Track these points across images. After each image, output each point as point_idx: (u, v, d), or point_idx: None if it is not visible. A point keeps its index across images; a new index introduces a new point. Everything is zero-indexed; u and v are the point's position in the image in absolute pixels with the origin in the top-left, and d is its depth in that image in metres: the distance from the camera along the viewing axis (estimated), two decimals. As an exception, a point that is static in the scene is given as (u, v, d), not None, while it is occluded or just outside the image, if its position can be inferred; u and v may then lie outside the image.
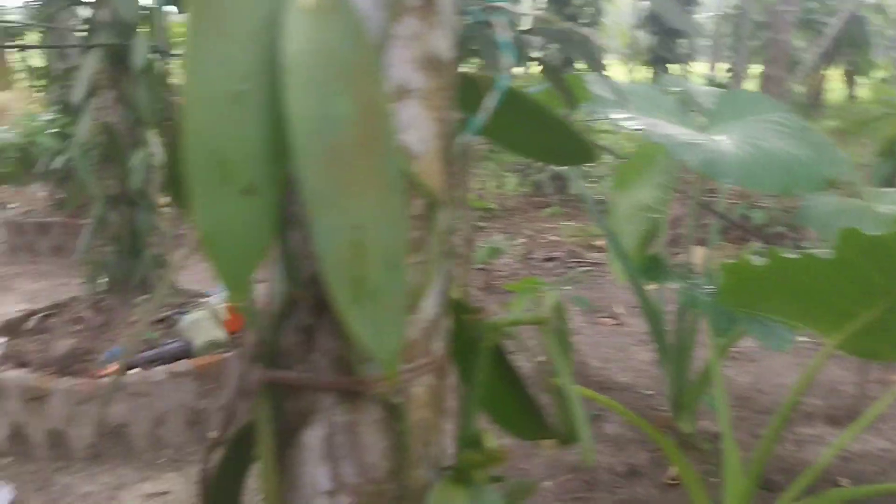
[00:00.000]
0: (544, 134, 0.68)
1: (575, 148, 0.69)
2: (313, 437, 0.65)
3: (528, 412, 0.79)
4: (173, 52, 3.26)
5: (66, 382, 2.77)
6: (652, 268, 2.21)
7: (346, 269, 0.52)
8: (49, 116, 5.76)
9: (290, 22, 0.52)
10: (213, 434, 2.73)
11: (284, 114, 0.51)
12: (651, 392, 3.19)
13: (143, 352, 3.00)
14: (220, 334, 3.04)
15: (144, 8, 3.07)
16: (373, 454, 0.65)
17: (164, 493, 2.58)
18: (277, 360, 0.65)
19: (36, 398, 2.72)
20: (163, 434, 2.84)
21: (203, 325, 3.05)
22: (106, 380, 2.82)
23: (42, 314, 3.37)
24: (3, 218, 6.24)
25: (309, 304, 0.60)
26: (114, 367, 2.90)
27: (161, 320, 3.26)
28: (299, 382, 0.63)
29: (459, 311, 0.69)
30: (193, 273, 4.88)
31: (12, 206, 6.96)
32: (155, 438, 2.83)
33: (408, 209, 0.61)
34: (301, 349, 0.64)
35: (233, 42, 0.52)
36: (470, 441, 0.69)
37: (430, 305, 0.65)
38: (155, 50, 3.03)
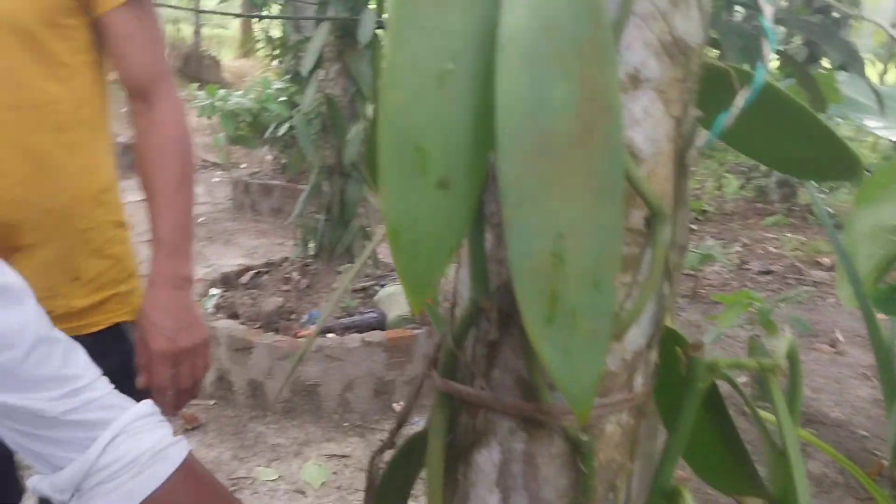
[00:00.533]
0: (801, 141, 0.56)
1: (838, 161, 0.56)
2: (486, 461, 0.59)
3: (736, 465, 0.67)
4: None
5: (269, 337, 2.93)
6: (891, 298, 1.93)
7: (542, 283, 0.44)
8: (281, 85, 6.15)
9: (512, -10, 0.44)
10: (398, 406, 2.77)
11: (493, 97, 0.43)
12: (866, 434, 2.87)
13: (340, 318, 3.12)
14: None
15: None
16: (550, 491, 0.57)
17: (346, 455, 2.66)
18: (457, 371, 0.59)
19: (241, 349, 2.90)
20: (351, 399, 2.93)
21: (398, 299, 3.12)
22: (303, 340, 2.96)
23: (256, 271, 3.61)
24: (233, 177, 6.79)
25: (495, 315, 0.53)
26: (311, 328, 3.03)
27: (360, 290, 3.37)
28: (477, 400, 0.56)
29: (670, 343, 0.59)
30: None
31: (242, 166, 7.56)
32: (343, 402, 2.93)
33: (624, 219, 0.51)
34: (483, 363, 0.57)
35: (447, 12, 0.46)
36: (666, 494, 0.59)
37: (637, 335, 0.55)
38: (381, 25, 3.10)
